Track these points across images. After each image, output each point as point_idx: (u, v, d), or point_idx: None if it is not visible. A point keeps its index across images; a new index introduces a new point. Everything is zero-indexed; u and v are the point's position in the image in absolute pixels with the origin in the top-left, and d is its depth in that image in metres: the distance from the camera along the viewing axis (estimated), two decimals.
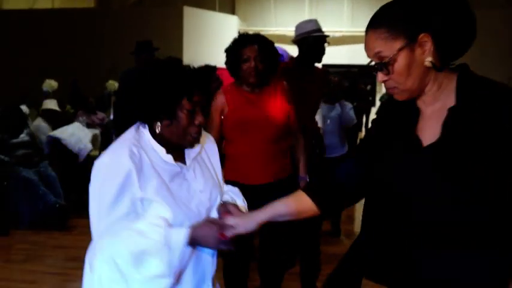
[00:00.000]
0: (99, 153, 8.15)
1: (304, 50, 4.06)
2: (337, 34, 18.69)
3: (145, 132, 1.94)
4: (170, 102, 1.85)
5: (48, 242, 5.63)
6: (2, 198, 6.02)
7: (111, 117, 10.42)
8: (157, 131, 1.92)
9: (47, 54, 17.63)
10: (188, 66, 1.94)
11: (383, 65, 1.55)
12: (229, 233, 1.84)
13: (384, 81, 1.59)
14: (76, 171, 6.70)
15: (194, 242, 1.82)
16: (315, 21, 4.22)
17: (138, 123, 1.96)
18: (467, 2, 1.54)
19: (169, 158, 1.93)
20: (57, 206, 6.00)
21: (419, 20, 1.51)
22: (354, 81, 9.38)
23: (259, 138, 3.23)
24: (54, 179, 6.25)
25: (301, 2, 19.29)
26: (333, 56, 16.73)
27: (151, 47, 6.74)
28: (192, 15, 17.52)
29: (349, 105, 6.38)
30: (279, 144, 3.31)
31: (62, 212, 6.03)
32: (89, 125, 8.43)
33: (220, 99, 3.29)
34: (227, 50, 3.35)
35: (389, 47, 1.53)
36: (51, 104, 7.19)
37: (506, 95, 1.50)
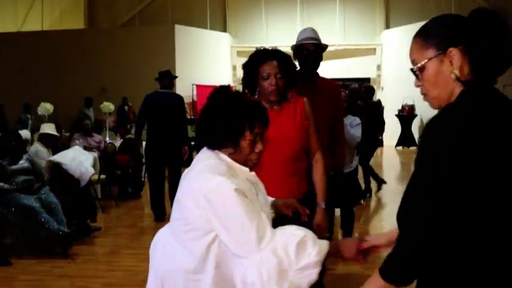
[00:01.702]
0: (99, 177, 8.03)
1: (300, 60, 3.96)
2: (330, 48, 18.67)
3: (223, 156, 2.10)
4: (236, 134, 2.07)
5: (53, 272, 5.45)
6: (3, 227, 5.84)
7: (107, 139, 10.31)
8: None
9: (37, 76, 17.47)
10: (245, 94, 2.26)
11: (415, 71, 1.72)
12: (365, 245, 2.07)
13: (418, 87, 1.74)
14: (78, 196, 6.55)
15: (333, 251, 2.02)
16: (309, 30, 4.12)
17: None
18: (506, 20, 1.62)
19: (253, 175, 2.18)
20: (60, 233, 5.82)
21: (450, 35, 1.64)
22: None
23: (278, 157, 3.08)
24: (56, 206, 6.06)
25: (293, 17, 19.29)
26: (326, 70, 16.68)
27: (171, 75, 8.15)
28: (183, 34, 17.49)
29: (356, 120, 6.22)
30: (298, 163, 3.19)
31: (66, 239, 5.86)
32: (85, 148, 8.30)
33: None
34: (244, 66, 3.21)
35: (421, 55, 1.69)
36: (49, 128, 7.03)
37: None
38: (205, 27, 18.92)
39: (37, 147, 6.88)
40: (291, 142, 3.12)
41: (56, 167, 6.51)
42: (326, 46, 4.04)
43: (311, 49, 3.94)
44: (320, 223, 3.19)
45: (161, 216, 7.48)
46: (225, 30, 19.64)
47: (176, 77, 8.55)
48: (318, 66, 3.99)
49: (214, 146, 2.10)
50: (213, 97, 2.16)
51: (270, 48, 3.20)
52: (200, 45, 17.99)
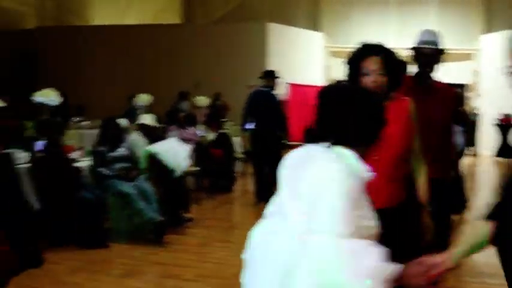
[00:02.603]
0: (195, 168, 8.13)
1: (416, 63, 3.81)
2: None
3: (347, 153, 2.03)
4: (375, 134, 2.11)
5: (147, 258, 5.57)
6: (101, 211, 6.02)
7: (198, 132, 10.44)
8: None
9: (134, 69, 18.02)
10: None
11: None
12: (435, 272, 1.91)
13: None
14: (172, 186, 6.66)
15: (398, 278, 1.86)
16: (427, 32, 3.95)
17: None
18: None
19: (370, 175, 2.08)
20: (154, 221, 5.95)
21: None
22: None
23: (379, 160, 2.83)
24: (152, 194, 6.20)
25: (387, 17, 18.90)
26: None
27: (274, 74, 8.69)
28: (276, 32, 17.47)
29: (458, 128, 5.99)
30: (400, 168, 2.99)
31: (159, 227, 5.98)
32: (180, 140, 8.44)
33: None
34: (347, 61, 3.01)
35: None
36: (148, 119, 7.19)
37: None
38: (299, 26, 18.85)
39: (136, 137, 7.05)
40: (394, 145, 2.92)
41: (153, 157, 6.65)
42: (444, 50, 3.87)
43: (427, 53, 3.79)
44: (428, 224, 3.08)
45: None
46: (318, 30, 19.49)
47: (278, 77, 8.85)
48: (433, 70, 3.83)
49: (346, 144, 2.04)
50: (344, 94, 2.12)
51: (374, 43, 2.97)
52: (293, 44, 17.93)
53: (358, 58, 2.92)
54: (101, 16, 20.56)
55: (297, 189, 1.97)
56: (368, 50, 2.92)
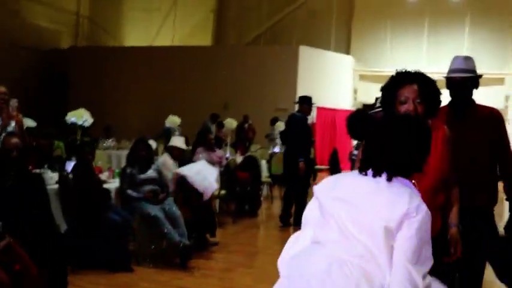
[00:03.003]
0: (219, 192, 8.10)
1: (449, 92, 3.73)
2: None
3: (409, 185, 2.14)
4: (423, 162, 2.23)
5: (172, 282, 5.53)
6: (127, 233, 6.00)
7: (227, 155, 10.45)
8: None
9: (162, 90, 18.17)
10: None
11: None
12: None
13: None
14: (200, 210, 6.63)
15: None
16: (459, 59, 3.85)
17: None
18: None
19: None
20: (181, 245, 5.91)
21: None
22: None
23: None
24: (179, 217, 6.17)
25: (419, 42, 18.81)
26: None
27: (310, 101, 8.70)
28: (307, 55, 17.51)
29: None
30: (437, 197, 2.94)
31: (186, 251, 5.93)
32: (208, 163, 8.42)
33: None
34: (383, 88, 3.01)
35: None
36: (178, 141, 7.20)
37: None
38: (329, 49, 18.87)
39: (165, 159, 7.05)
40: (432, 173, 2.85)
41: (182, 179, 6.63)
42: (478, 76, 3.77)
43: (458, 81, 3.71)
44: (454, 238, 3.03)
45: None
46: (348, 53, 19.47)
47: (314, 103, 8.92)
48: (467, 97, 3.74)
49: (401, 174, 2.13)
50: (402, 125, 2.19)
51: (412, 71, 2.95)
52: (323, 66, 17.94)
53: (394, 86, 2.90)
54: (134, 37, 20.86)
55: (364, 223, 1.96)
56: (405, 78, 2.90)
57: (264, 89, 17.22)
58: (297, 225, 8.28)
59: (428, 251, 1.97)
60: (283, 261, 2.18)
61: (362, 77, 19.38)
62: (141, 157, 6.39)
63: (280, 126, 14.02)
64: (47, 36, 19.73)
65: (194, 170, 6.69)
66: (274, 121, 15.23)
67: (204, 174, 6.70)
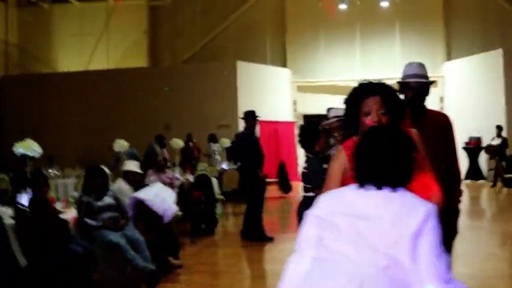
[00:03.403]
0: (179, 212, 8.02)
1: (405, 97, 3.83)
2: (390, 82, 18.50)
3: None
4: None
5: None
6: (90, 263, 5.86)
7: (177, 175, 10.37)
8: None
9: (104, 114, 17.89)
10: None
11: None
12: None
13: None
14: (161, 233, 6.55)
15: None
16: (415, 65, 3.98)
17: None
18: None
19: None
20: (146, 270, 5.81)
21: None
22: None
23: None
24: (142, 242, 6.06)
25: (352, 51, 19.25)
26: None
27: (255, 115, 8.81)
28: (245, 69, 17.65)
29: None
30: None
31: (152, 277, 5.83)
32: None
33: (341, 157, 2.89)
34: (346, 100, 2.97)
35: None
36: (133, 166, 7.09)
37: None
38: (266, 63, 19.07)
39: (120, 184, 6.93)
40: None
41: (140, 204, 6.53)
42: (432, 82, 3.92)
43: (416, 87, 3.82)
44: None
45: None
46: (285, 65, 19.72)
47: (258, 116, 8.97)
48: (424, 101, 3.87)
49: (403, 185, 2.19)
50: (393, 137, 2.26)
51: (374, 82, 2.94)
52: (261, 80, 18.11)
53: (357, 97, 2.89)
54: (67, 63, 20.48)
55: (384, 234, 2.00)
56: (367, 90, 2.89)
57: (205, 106, 17.21)
58: (246, 238, 8.38)
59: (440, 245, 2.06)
60: None
61: (300, 88, 19.65)
62: (97, 184, 6.26)
63: (226, 142, 14.06)
64: None
65: (152, 193, 6.60)
66: (212, 138, 15.27)
67: (162, 197, 6.62)
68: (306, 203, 4.95)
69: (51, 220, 5.75)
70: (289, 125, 18.59)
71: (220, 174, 11.85)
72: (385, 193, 2.12)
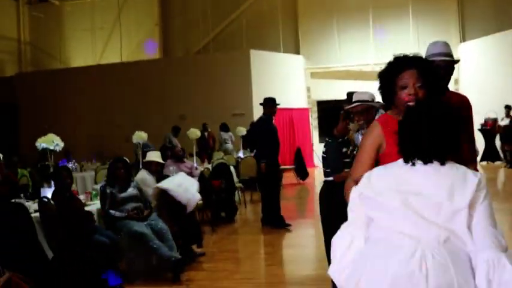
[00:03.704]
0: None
1: None
2: None
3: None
4: None
5: None
6: (116, 253, 5.92)
7: (195, 165, 10.41)
8: None
9: (118, 106, 17.97)
10: None
11: None
12: None
13: None
14: (185, 222, 6.59)
15: None
16: (440, 44, 3.95)
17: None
18: None
19: None
20: (172, 259, 5.85)
21: None
22: None
23: None
24: (166, 232, 6.11)
25: (366, 36, 19.12)
26: None
27: (274, 102, 8.74)
28: (258, 58, 17.62)
29: None
30: None
31: (177, 265, 5.87)
32: None
33: (376, 132, 2.82)
34: (381, 75, 2.91)
35: None
36: (155, 156, 7.13)
37: None
38: (279, 50, 19.02)
39: (143, 175, 6.97)
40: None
41: (163, 194, 6.58)
42: (457, 61, 3.89)
43: (441, 66, 3.79)
44: None
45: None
46: (298, 52, 19.67)
47: (278, 104, 8.90)
48: (448, 82, 3.84)
49: (451, 157, 2.20)
50: (436, 111, 2.25)
51: (410, 55, 2.85)
52: (275, 68, 18.08)
53: (393, 72, 2.83)
54: (80, 58, 20.58)
55: (440, 207, 2.02)
56: (403, 63, 2.82)
57: (219, 95, 17.25)
58: (267, 225, 8.40)
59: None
60: (340, 271, 2.19)
61: (313, 75, 19.61)
62: (120, 176, 6.31)
63: (241, 130, 14.08)
64: None
65: (175, 183, 6.64)
66: (223, 127, 15.30)
67: (185, 186, 6.66)
68: (327, 188, 4.95)
69: (76, 212, 5.79)
70: (304, 111, 18.58)
71: (237, 163, 11.87)
72: (434, 167, 2.13)
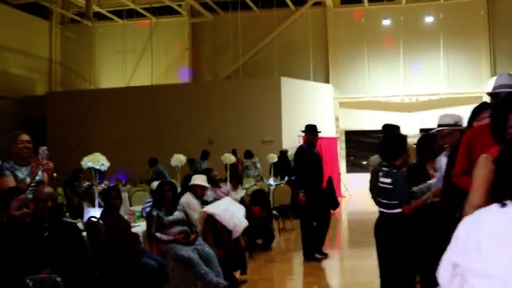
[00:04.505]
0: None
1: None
2: (434, 97, 18.35)
3: None
4: None
5: None
6: (164, 277, 5.81)
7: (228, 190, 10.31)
8: None
9: (147, 129, 17.99)
10: None
11: None
12: None
13: None
14: (230, 248, 6.47)
15: None
16: (505, 76, 3.88)
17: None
18: None
19: None
20: (219, 286, 5.74)
21: None
22: None
23: None
24: (213, 257, 6.01)
25: (396, 67, 19.07)
26: (430, 119, 16.43)
27: (316, 129, 8.48)
28: (288, 85, 17.60)
29: None
30: None
31: None
32: (215, 199, 8.27)
33: (489, 165, 2.74)
34: (493, 114, 2.95)
35: None
36: (200, 180, 7.04)
37: None
38: (308, 79, 19.01)
39: (189, 198, 6.88)
40: None
41: (209, 218, 6.48)
42: None
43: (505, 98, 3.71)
44: None
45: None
46: (327, 81, 19.65)
47: (320, 131, 8.67)
48: None
49: None
50: None
51: None
52: (304, 96, 18.05)
53: (505, 109, 2.85)
54: (109, 79, 20.74)
55: None
56: None
57: (248, 121, 17.20)
58: (309, 260, 8.12)
59: None
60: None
61: (342, 104, 19.56)
62: (168, 198, 6.23)
63: (273, 157, 13.99)
64: (21, 84, 19.44)
65: (221, 208, 6.54)
66: (246, 154, 15.19)
67: (232, 211, 6.56)
68: (393, 221, 4.74)
69: (125, 233, 5.71)
70: (332, 140, 18.48)
71: (268, 190, 11.76)
72: None
